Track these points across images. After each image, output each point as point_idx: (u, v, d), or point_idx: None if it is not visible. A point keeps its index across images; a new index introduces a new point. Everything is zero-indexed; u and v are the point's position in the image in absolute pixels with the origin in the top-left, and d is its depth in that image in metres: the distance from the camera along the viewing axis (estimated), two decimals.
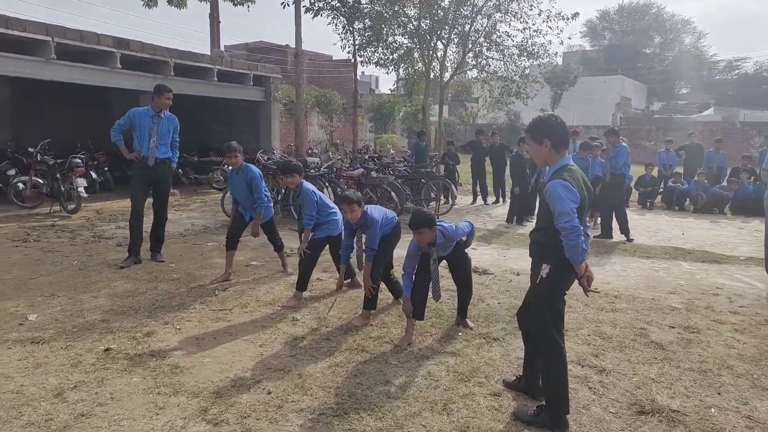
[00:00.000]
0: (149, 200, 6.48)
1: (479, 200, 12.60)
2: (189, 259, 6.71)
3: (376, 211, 4.72)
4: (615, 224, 8.94)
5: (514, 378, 3.55)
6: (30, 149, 10.27)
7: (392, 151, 16.48)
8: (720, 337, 4.53)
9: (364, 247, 4.67)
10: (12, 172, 10.42)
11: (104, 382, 3.45)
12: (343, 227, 4.96)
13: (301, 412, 3.17)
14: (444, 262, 4.57)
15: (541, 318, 3.15)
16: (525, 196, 10.05)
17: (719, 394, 3.53)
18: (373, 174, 10.43)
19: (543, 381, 3.19)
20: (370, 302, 4.63)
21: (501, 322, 4.74)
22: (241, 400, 3.27)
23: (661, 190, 13.40)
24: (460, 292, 4.63)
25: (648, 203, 12.88)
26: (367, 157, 13.46)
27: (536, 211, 3.40)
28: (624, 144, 9.25)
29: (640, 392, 3.50)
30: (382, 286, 4.93)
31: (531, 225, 9.86)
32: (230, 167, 5.91)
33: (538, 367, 3.27)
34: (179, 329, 4.40)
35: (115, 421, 3.01)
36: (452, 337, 4.38)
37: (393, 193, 9.70)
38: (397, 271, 4.96)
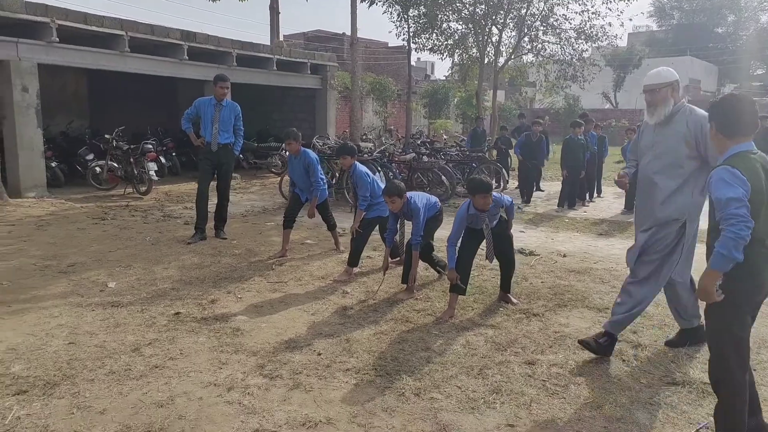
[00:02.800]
0: (213, 183, 6.96)
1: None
2: (249, 236, 7.18)
3: (419, 199, 4.96)
4: None
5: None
6: (106, 136, 11.07)
7: (445, 137, 16.57)
8: (761, 318, 4.51)
9: (411, 236, 4.92)
10: (90, 156, 11.29)
11: (175, 341, 3.87)
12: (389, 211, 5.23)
13: (347, 371, 3.47)
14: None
15: (716, 344, 2.64)
16: (576, 180, 10.01)
17: (755, 370, 3.57)
18: (425, 159, 10.63)
19: (716, 420, 2.69)
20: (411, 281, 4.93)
21: (542, 300, 4.89)
22: (294, 359, 3.61)
23: None
24: (502, 268, 4.81)
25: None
26: (419, 142, 13.64)
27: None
28: None
29: (673, 366, 3.60)
30: (423, 263, 5.19)
31: (586, 210, 9.93)
32: (289, 152, 6.27)
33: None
34: (240, 298, 4.81)
35: (184, 373, 3.41)
36: (493, 312, 4.58)
37: (443, 177, 9.88)
38: (440, 248, 5.18)
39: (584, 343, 3.74)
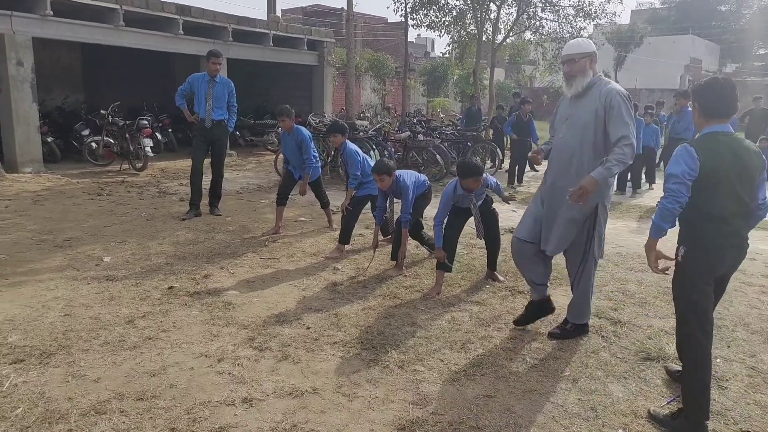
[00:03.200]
0: (208, 159, 7.02)
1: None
2: (243, 213, 7.26)
3: (408, 177, 5.02)
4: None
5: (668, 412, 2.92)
6: (102, 111, 11.06)
7: (441, 115, 16.54)
8: (745, 298, 4.64)
9: (400, 213, 5.00)
10: (86, 132, 11.29)
11: (168, 314, 3.98)
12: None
13: (335, 344, 3.59)
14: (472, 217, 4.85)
15: (678, 309, 2.81)
16: None
17: (729, 347, 3.71)
18: (420, 137, 10.66)
19: (683, 388, 2.80)
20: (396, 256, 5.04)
21: None
22: (284, 332, 3.73)
23: None
24: (488, 246, 4.91)
25: None
26: (415, 120, 13.64)
27: None
28: (691, 109, 9.04)
29: (650, 342, 3.72)
30: (413, 241, 5.28)
31: None
32: (282, 129, 6.31)
33: None
34: (233, 273, 4.91)
35: (176, 344, 3.52)
36: (479, 289, 4.69)
37: (438, 156, 9.93)
38: (429, 226, 5.27)
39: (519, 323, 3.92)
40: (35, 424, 2.64)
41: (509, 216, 7.58)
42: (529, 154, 4.03)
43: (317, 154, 6.38)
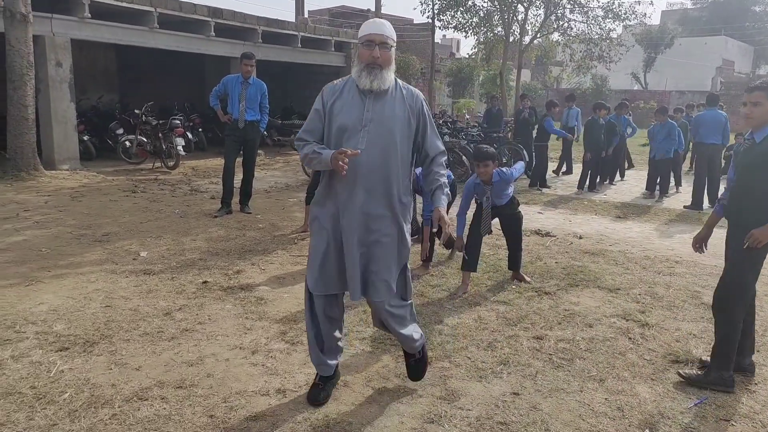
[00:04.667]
0: (239, 159, 7.19)
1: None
2: (273, 212, 7.41)
3: None
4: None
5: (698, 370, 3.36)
6: (136, 111, 11.37)
7: (467, 116, 16.55)
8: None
9: (422, 212, 5.06)
10: (120, 131, 11.62)
11: (203, 307, 4.12)
12: None
13: (364, 339, 3.68)
14: (497, 221, 4.88)
15: (735, 281, 3.14)
16: (599, 162, 10.03)
17: (758, 351, 3.68)
18: (446, 138, 10.70)
19: (718, 346, 3.20)
20: (428, 257, 5.07)
21: (555, 279, 5.02)
22: None
23: None
24: (510, 247, 4.94)
25: None
26: (441, 122, 13.67)
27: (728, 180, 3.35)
28: (719, 112, 8.94)
29: (677, 345, 3.73)
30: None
31: (606, 193, 9.96)
32: None
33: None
34: (264, 270, 5.04)
35: (212, 336, 3.65)
36: (506, 289, 4.74)
37: (464, 157, 9.96)
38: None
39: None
40: (82, 408, 2.79)
41: (535, 218, 7.60)
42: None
43: None
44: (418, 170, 5.07)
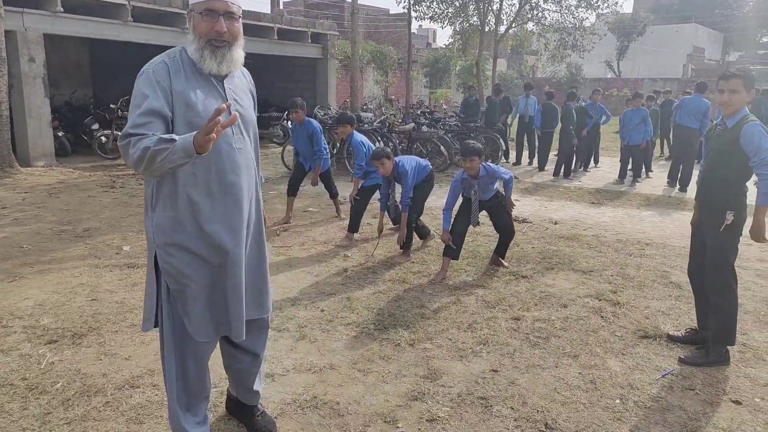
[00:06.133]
0: None
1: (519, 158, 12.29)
2: None
3: (408, 162, 5.18)
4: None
5: (686, 331, 3.65)
6: (111, 105, 11.26)
7: (444, 106, 16.68)
8: (740, 281, 4.80)
9: (399, 197, 5.18)
10: (95, 126, 11.51)
11: None
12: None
13: (348, 325, 3.80)
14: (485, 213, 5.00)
15: (724, 263, 3.32)
16: (572, 149, 10.27)
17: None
18: (424, 128, 10.83)
19: (719, 324, 3.32)
20: (406, 244, 5.21)
21: (531, 263, 5.19)
22: (299, 315, 3.94)
23: None
24: (501, 236, 5.05)
25: None
26: (419, 112, 13.79)
27: (702, 162, 3.48)
28: (702, 99, 9.17)
29: (647, 322, 3.92)
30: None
31: (586, 177, 10.21)
32: (294, 121, 6.48)
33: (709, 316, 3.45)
34: None
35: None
36: (485, 274, 4.89)
37: (442, 147, 10.10)
38: (436, 211, 5.46)
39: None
40: (75, 397, 2.86)
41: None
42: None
43: (327, 146, 6.56)
44: (398, 158, 5.22)
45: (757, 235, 3.23)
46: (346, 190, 7.83)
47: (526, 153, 12.11)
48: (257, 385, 2.62)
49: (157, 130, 1.94)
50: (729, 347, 3.39)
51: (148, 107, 1.96)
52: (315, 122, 6.37)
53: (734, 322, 3.35)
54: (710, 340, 3.40)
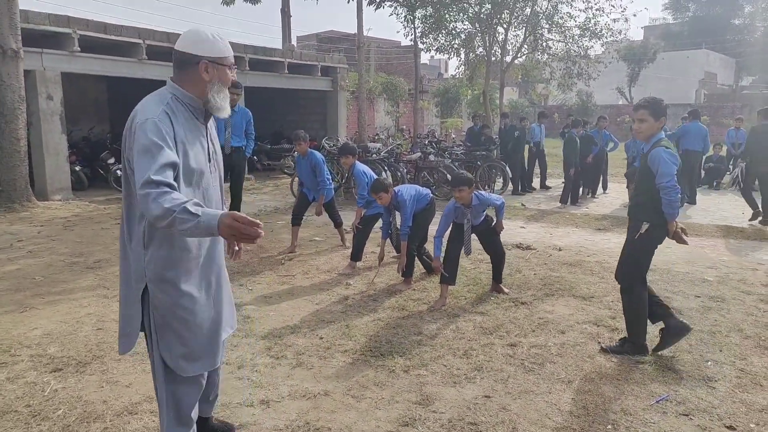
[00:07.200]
0: (227, 184, 7.39)
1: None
2: None
3: (407, 191, 5.27)
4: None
5: (618, 339, 3.97)
6: None
7: (453, 136, 16.86)
8: (742, 306, 4.80)
9: (399, 226, 5.27)
10: (111, 160, 11.84)
11: None
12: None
13: (345, 352, 3.85)
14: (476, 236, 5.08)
15: (633, 267, 3.77)
16: (579, 175, 10.32)
17: (721, 351, 3.88)
18: (431, 158, 10.97)
19: (629, 323, 3.83)
20: (407, 272, 5.28)
21: (532, 290, 5.22)
22: (298, 342, 4.00)
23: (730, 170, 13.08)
24: (493, 261, 5.14)
25: (715, 183, 12.64)
26: (426, 141, 13.97)
27: (636, 180, 3.96)
28: (700, 125, 9.77)
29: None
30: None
31: (594, 203, 10.24)
32: (297, 153, 6.65)
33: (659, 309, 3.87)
34: (251, 290, 5.22)
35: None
36: (484, 301, 4.92)
37: (449, 176, 10.19)
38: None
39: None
40: (75, 423, 2.94)
41: (518, 232, 7.81)
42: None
43: (330, 177, 6.70)
44: (397, 188, 5.33)
45: (676, 239, 3.74)
46: (352, 218, 7.93)
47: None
48: (216, 394, 2.77)
49: (170, 178, 2.02)
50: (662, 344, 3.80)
51: (168, 160, 2.03)
52: (318, 153, 6.52)
53: (642, 319, 3.80)
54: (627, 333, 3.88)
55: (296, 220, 6.63)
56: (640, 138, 3.78)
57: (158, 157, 2.01)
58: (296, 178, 10.08)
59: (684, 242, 3.75)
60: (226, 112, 2.26)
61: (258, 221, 1.92)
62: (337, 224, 6.87)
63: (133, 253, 2.26)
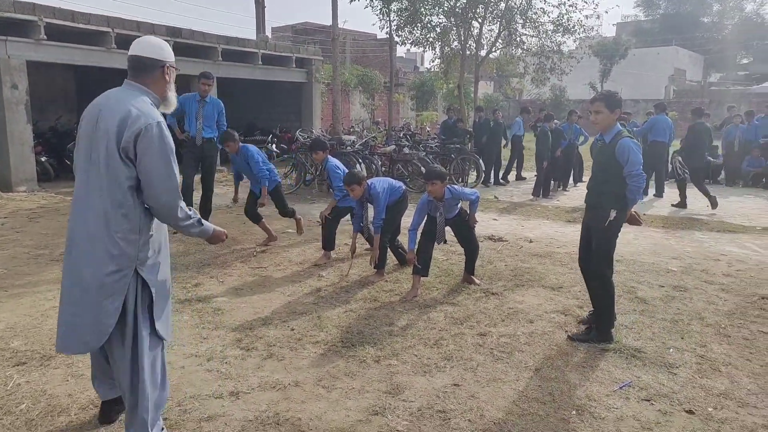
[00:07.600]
0: (198, 176, 7.29)
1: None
2: (233, 227, 7.52)
3: (380, 184, 5.28)
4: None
5: (585, 328, 4.10)
6: None
7: (428, 129, 16.92)
8: (704, 295, 4.94)
9: (372, 219, 5.28)
10: None
11: None
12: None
13: (317, 343, 3.85)
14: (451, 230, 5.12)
15: (605, 254, 3.93)
16: (549, 169, 10.46)
17: (682, 338, 4.00)
18: (405, 150, 10.99)
19: (597, 309, 3.98)
20: (380, 264, 5.30)
21: (503, 280, 5.28)
22: (269, 334, 3.99)
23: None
24: (467, 253, 5.17)
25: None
26: (401, 134, 13.98)
27: (592, 172, 4.09)
28: (666, 117, 10.16)
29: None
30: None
31: (565, 196, 10.40)
32: (230, 152, 6.38)
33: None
34: (222, 282, 5.17)
35: (168, 346, 3.76)
36: (455, 291, 4.97)
37: (423, 168, 10.22)
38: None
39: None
40: (39, 417, 2.89)
41: (490, 224, 7.89)
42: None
43: (271, 166, 6.52)
44: (370, 181, 5.33)
45: (631, 222, 4.00)
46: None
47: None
48: None
49: None
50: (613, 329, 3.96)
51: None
52: (251, 147, 6.34)
53: (609, 305, 3.91)
54: (594, 322, 4.00)
55: (253, 218, 6.55)
56: (598, 128, 3.94)
57: (175, 165, 2.45)
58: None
59: (639, 223, 4.06)
60: (174, 105, 2.72)
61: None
62: (286, 213, 6.69)
63: (122, 241, 2.40)
